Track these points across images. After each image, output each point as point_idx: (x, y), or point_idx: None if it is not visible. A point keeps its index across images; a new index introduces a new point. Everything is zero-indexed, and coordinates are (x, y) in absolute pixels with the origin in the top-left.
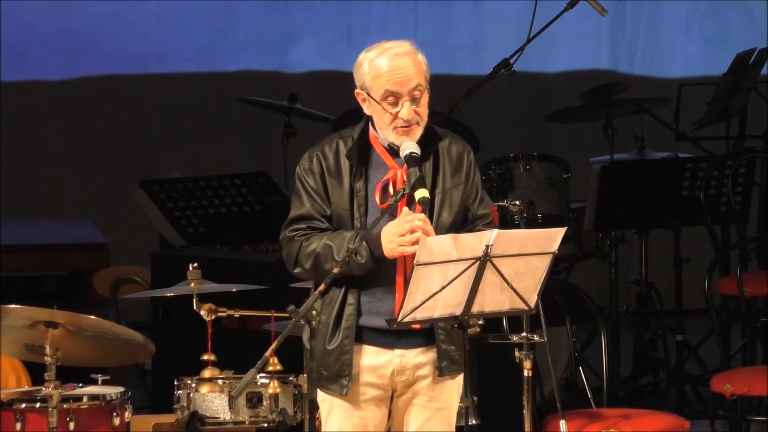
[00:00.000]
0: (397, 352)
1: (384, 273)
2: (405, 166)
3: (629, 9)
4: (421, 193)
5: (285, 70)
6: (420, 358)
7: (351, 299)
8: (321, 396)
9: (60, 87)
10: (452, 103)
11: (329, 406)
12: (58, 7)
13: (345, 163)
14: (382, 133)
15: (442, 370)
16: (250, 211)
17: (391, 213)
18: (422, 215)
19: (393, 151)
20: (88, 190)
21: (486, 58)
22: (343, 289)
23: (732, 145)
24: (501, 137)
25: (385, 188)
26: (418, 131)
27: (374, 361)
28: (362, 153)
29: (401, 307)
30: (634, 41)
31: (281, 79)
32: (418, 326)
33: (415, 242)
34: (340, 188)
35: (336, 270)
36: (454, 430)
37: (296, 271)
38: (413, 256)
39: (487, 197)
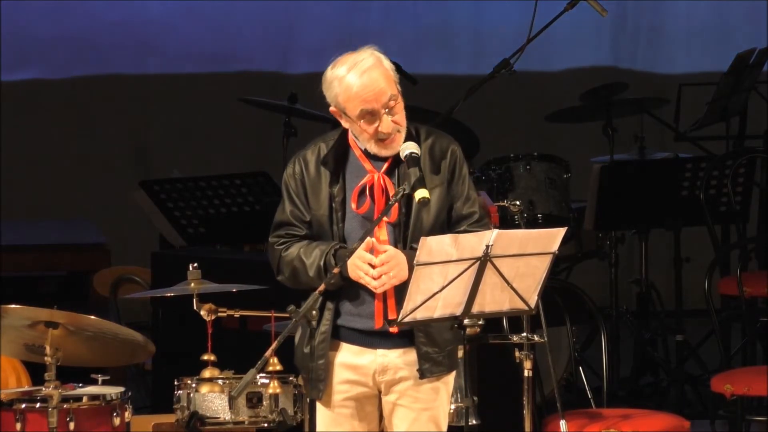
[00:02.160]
0: (380, 351)
1: None
2: (383, 169)
3: (630, 8)
4: (422, 193)
5: (285, 70)
6: (402, 358)
7: (330, 303)
8: None
9: (60, 87)
10: (452, 103)
11: (317, 406)
12: (58, 7)
13: (324, 168)
14: (364, 144)
15: (423, 373)
16: (250, 211)
17: (366, 216)
18: (384, 257)
19: (371, 155)
20: (88, 190)
21: (486, 58)
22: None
23: (732, 145)
24: (501, 137)
25: (362, 193)
26: (400, 138)
27: (356, 360)
28: (339, 158)
29: (383, 310)
30: (635, 41)
31: (281, 79)
32: (396, 330)
33: (376, 278)
34: (319, 193)
35: (336, 270)
36: (443, 430)
37: (279, 278)
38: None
39: (475, 195)
